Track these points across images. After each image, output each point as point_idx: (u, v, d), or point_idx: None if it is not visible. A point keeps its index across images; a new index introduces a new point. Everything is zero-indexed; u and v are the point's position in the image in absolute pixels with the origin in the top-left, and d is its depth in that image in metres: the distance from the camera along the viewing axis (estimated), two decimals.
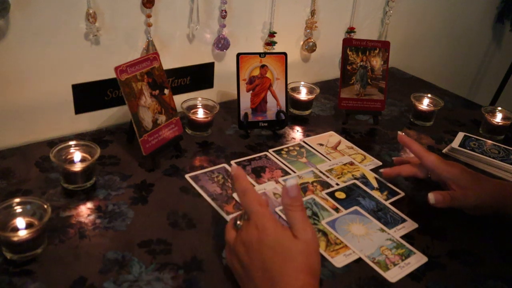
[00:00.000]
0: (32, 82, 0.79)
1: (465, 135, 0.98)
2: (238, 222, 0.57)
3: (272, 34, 1.05)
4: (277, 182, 0.78)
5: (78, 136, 0.85)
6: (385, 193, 0.78)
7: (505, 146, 0.96)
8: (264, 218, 0.53)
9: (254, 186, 0.76)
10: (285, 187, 0.53)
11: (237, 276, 0.55)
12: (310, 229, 0.52)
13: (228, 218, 0.68)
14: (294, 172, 0.81)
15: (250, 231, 0.53)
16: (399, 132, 0.81)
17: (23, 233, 0.57)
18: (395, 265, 0.63)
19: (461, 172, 0.72)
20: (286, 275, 0.49)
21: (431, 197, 0.70)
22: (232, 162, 0.59)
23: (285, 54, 0.91)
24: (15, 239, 0.56)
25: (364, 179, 0.81)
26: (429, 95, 1.05)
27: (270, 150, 0.87)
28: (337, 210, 0.72)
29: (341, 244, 0.65)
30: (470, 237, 0.70)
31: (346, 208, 0.73)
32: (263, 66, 0.90)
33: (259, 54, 0.90)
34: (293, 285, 0.49)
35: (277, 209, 0.71)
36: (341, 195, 0.76)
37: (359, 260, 0.63)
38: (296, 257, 0.50)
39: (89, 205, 0.68)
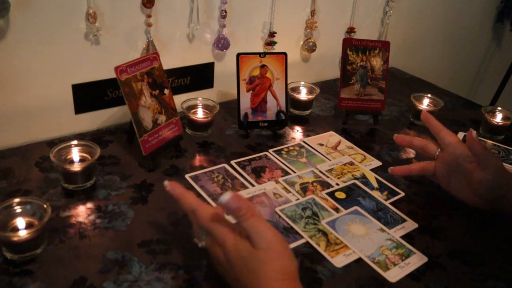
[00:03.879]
0: (32, 82, 0.79)
1: (465, 135, 0.98)
2: (202, 244, 0.56)
3: (272, 34, 1.05)
4: (277, 182, 0.78)
5: (78, 136, 0.85)
6: (385, 193, 0.78)
7: (505, 146, 0.96)
8: (221, 233, 0.52)
9: (254, 186, 0.76)
10: (221, 204, 0.50)
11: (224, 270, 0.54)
12: (265, 232, 0.50)
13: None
14: (294, 172, 0.81)
15: (215, 249, 0.53)
16: (423, 111, 0.80)
17: (23, 233, 0.57)
18: (395, 265, 0.63)
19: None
20: (259, 286, 0.48)
21: (474, 132, 0.68)
22: (166, 181, 0.56)
23: (285, 54, 0.91)
24: (15, 239, 0.56)
25: (364, 179, 0.81)
26: (429, 95, 1.05)
27: (270, 150, 0.87)
28: (337, 210, 0.72)
29: (341, 244, 0.65)
30: (470, 237, 0.70)
31: (346, 208, 0.73)
32: (263, 66, 0.90)
33: (259, 54, 0.90)
34: None
35: (277, 209, 0.71)
36: (341, 195, 0.76)
37: (359, 260, 0.63)
38: (260, 268, 0.48)
39: (89, 205, 0.68)
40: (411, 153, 0.91)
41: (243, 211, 0.50)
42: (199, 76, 1.00)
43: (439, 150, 0.76)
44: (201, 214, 0.54)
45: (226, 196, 0.50)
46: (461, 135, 0.99)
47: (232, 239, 0.51)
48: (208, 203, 0.71)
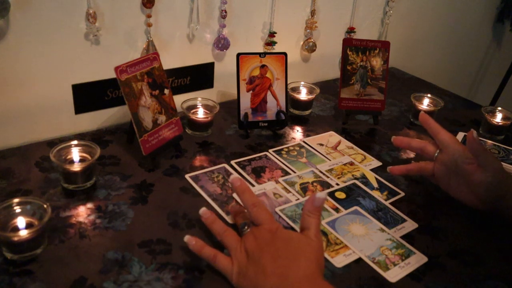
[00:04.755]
0: (32, 82, 0.79)
1: (465, 135, 0.98)
2: (246, 227, 0.60)
3: (272, 34, 1.05)
4: (277, 182, 0.78)
5: (78, 136, 0.85)
6: (385, 193, 0.78)
7: (505, 146, 0.96)
8: (276, 223, 0.59)
9: (253, 186, 0.76)
10: (313, 195, 0.57)
11: (242, 276, 0.55)
12: (321, 237, 0.57)
13: (228, 218, 0.68)
14: (294, 172, 0.81)
15: (263, 232, 0.57)
16: (421, 113, 0.80)
17: (23, 233, 0.57)
18: (395, 265, 0.63)
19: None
20: (298, 260, 0.53)
21: (475, 132, 0.68)
22: (232, 175, 0.64)
23: (285, 54, 0.91)
24: (15, 239, 0.56)
25: (364, 179, 0.81)
26: (429, 95, 1.05)
27: (270, 150, 0.87)
28: (337, 210, 0.72)
29: (341, 244, 0.65)
30: (470, 237, 0.70)
31: (346, 208, 0.73)
32: (263, 66, 0.90)
33: (259, 54, 0.90)
34: (304, 270, 0.52)
35: (277, 209, 0.71)
36: (341, 195, 0.76)
37: (359, 260, 0.63)
38: (309, 251, 0.54)
39: (89, 205, 0.68)
40: (411, 153, 0.91)
41: (318, 212, 0.58)
42: (199, 76, 1.00)
43: (438, 151, 0.76)
44: (261, 208, 0.60)
45: (322, 195, 0.57)
46: (461, 135, 0.99)
47: (285, 229, 0.58)
48: (208, 203, 0.71)
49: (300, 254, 0.54)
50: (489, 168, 0.68)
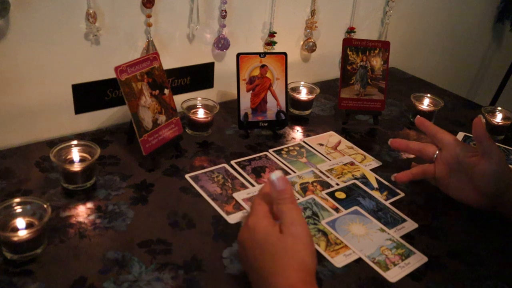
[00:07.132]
0: (32, 82, 0.79)
1: (465, 135, 0.99)
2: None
3: (272, 34, 1.05)
4: None
5: (78, 136, 0.85)
6: (385, 193, 0.78)
7: (505, 146, 0.96)
8: (257, 217, 0.53)
9: (253, 186, 0.76)
10: (270, 180, 0.51)
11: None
12: (299, 222, 0.51)
13: (228, 218, 0.68)
14: (294, 172, 0.81)
15: (244, 231, 0.54)
16: (417, 117, 0.80)
17: (23, 233, 0.57)
18: (395, 265, 0.63)
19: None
20: (275, 274, 0.49)
21: (483, 119, 0.68)
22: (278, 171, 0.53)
23: (285, 54, 0.91)
24: (15, 239, 0.56)
25: (364, 179, 0.81)
26: (429, 95, 1.05)
27: (270, 150, 0.87)
28: (337, 210, 0.72)
29: (341, 244, 0.65)
30: (470, 237, 0.70)
31: (346, 208, 0.73)
32: (263, 66, 0.90)
33: (259, 54, 0.90)
34: (283, 284, 0.48)
35: None
36: (341, 195, 0.76)
37: (359, 260, 0.63)
38: (284, 254, 0.49)
39: (89, 205, 0.68)
40: (411, 154, 0.91)
41: (286, 195, 0.51)
42: (199, 76, 1.00)
43: (437, 151, 0.76)
44: (255, 197, 0.55)
45: (277, 175, 0.51)
46: (461, 135, 0.99)
47: (264, 223, 0.52)
48: (208, 203, 0.71)
49: (277, 264, 0.49)
50: (493, 156, 0.68)
